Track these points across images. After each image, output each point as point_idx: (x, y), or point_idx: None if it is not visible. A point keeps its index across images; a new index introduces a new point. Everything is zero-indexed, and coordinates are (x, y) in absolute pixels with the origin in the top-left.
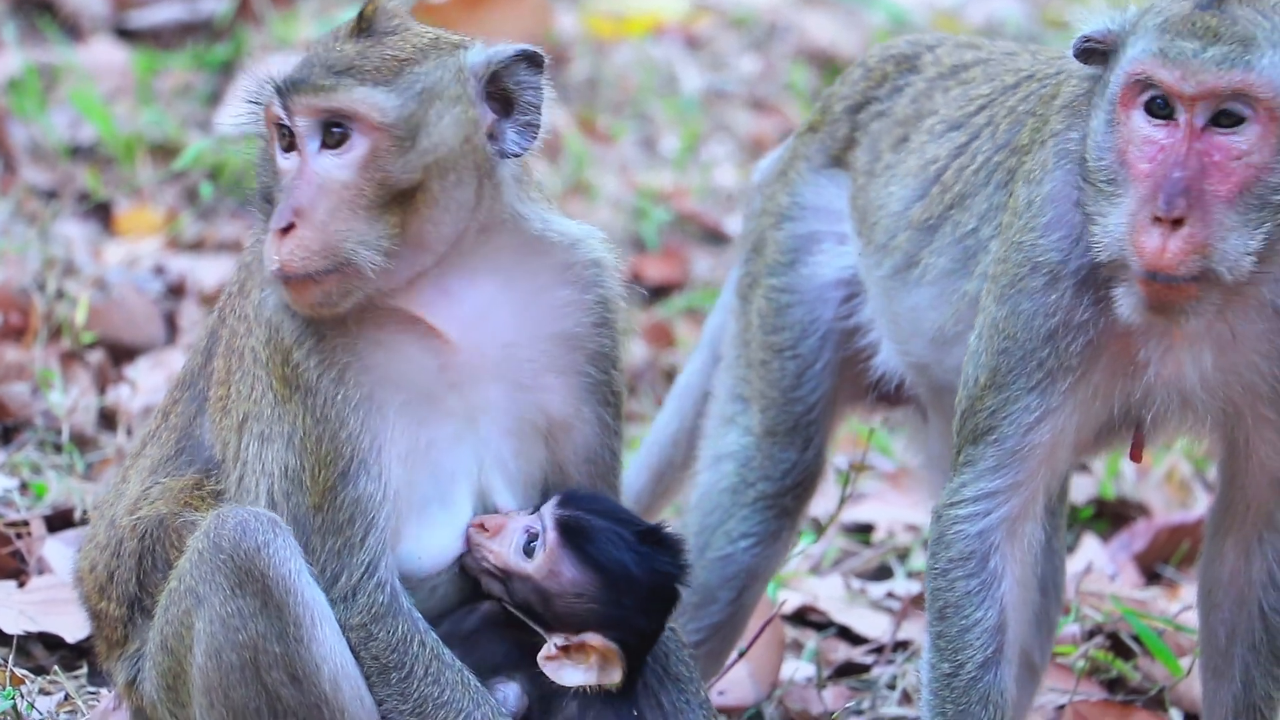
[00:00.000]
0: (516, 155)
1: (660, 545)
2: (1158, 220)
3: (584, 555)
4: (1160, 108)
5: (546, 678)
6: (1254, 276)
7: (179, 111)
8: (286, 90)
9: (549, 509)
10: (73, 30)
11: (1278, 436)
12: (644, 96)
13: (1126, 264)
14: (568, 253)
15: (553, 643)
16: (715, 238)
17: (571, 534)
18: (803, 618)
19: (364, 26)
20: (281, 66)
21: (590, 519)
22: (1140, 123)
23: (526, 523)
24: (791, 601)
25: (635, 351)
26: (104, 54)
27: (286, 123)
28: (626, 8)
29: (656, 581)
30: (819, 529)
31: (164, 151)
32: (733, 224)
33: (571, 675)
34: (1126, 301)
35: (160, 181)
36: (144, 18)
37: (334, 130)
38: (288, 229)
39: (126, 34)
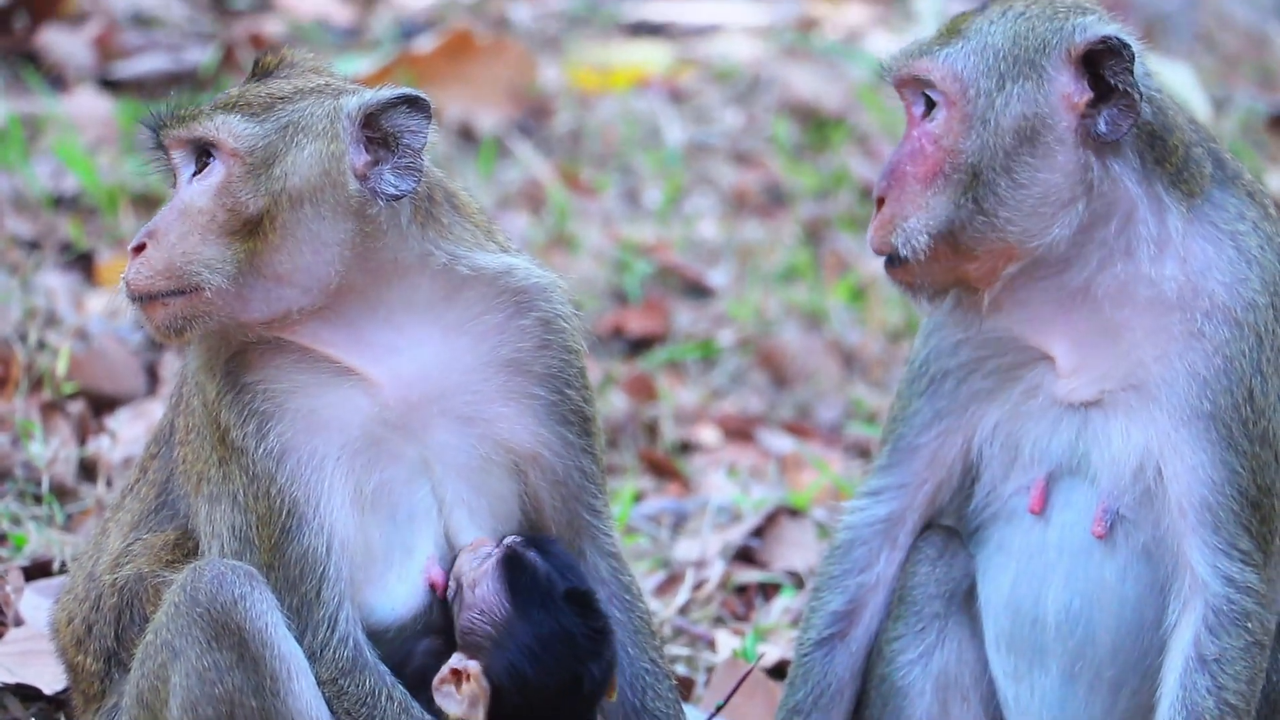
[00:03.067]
0: (396, 197)
1: (581, 607)
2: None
3: (505, 578)
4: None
5: None
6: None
7: None
8: (159, 123)
9: (512, 537)
10: (57, 80)
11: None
12: (627, 149)
13: None
14: (492, 283)
15: (449, 664)
16: (698, 291)
17: (509, 558)
18: (782, 672)
19: (257, 73)
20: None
21: (533, 554)
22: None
23: (493, 544)
24: (770, 656)
25: (616, 404)
26: (88, 104)
27: (169, 160)
28: (610, 60)
29: (555, 632)
30: (799, 583)
31: (147, 202)
32: (715, 277)
33: (449, 702)
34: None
35: None
36: (128, 68)
37: (203, 159)
38: (139, 249)
39: (110, 84)
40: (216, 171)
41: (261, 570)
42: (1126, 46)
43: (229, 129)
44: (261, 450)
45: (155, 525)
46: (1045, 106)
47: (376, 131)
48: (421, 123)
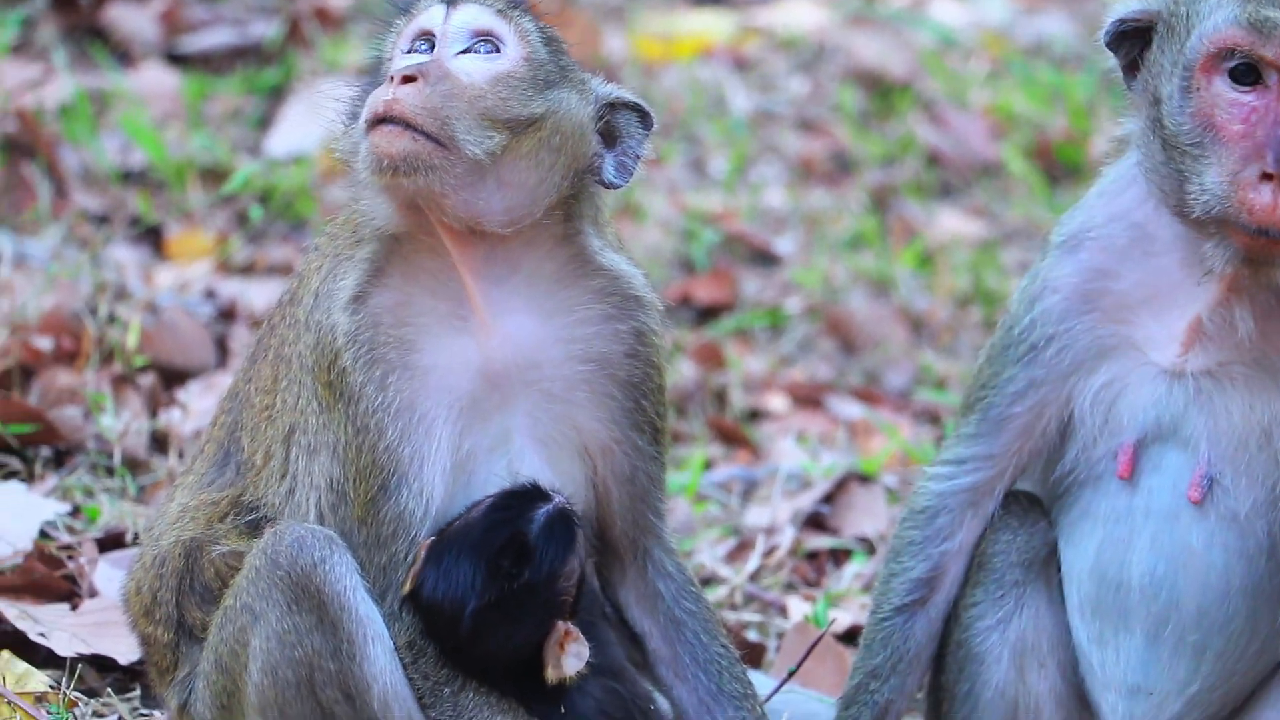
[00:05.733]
0: (608, 186)
1: (513, 555)
2: (1266, 177)
3: (509, 494)
4: (1244, 73)
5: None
6: None
7: (229, 135)
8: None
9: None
10: (123, 56)
11: None
12: (693, 118)
13: (1228, 219)
14: (612, 283)
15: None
16: (764, 259)
17: (526, 489)
18: (853, 638)
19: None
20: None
21: (547, 510)
22: (1223, 88)
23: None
24: (841, 621)
25: (684, 373)
26: (155, 79)
27: (433, 28)
28: (675, 30)
29: (475, 544)
30: (870, 549)
31: (214, 175)
32: (782, 244)
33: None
34: (1220, 254)
35: (210, 205)
36: (194, 42)
37: (481, 45)
38: (410, 79)
39: (177, 59)
40: (503, 61)
41: (352, 524)
42: None
43: (533, 37)
44: (380, 401)
45: (212, 482)
46: None
47: (605, 125)
48: (644, 134)
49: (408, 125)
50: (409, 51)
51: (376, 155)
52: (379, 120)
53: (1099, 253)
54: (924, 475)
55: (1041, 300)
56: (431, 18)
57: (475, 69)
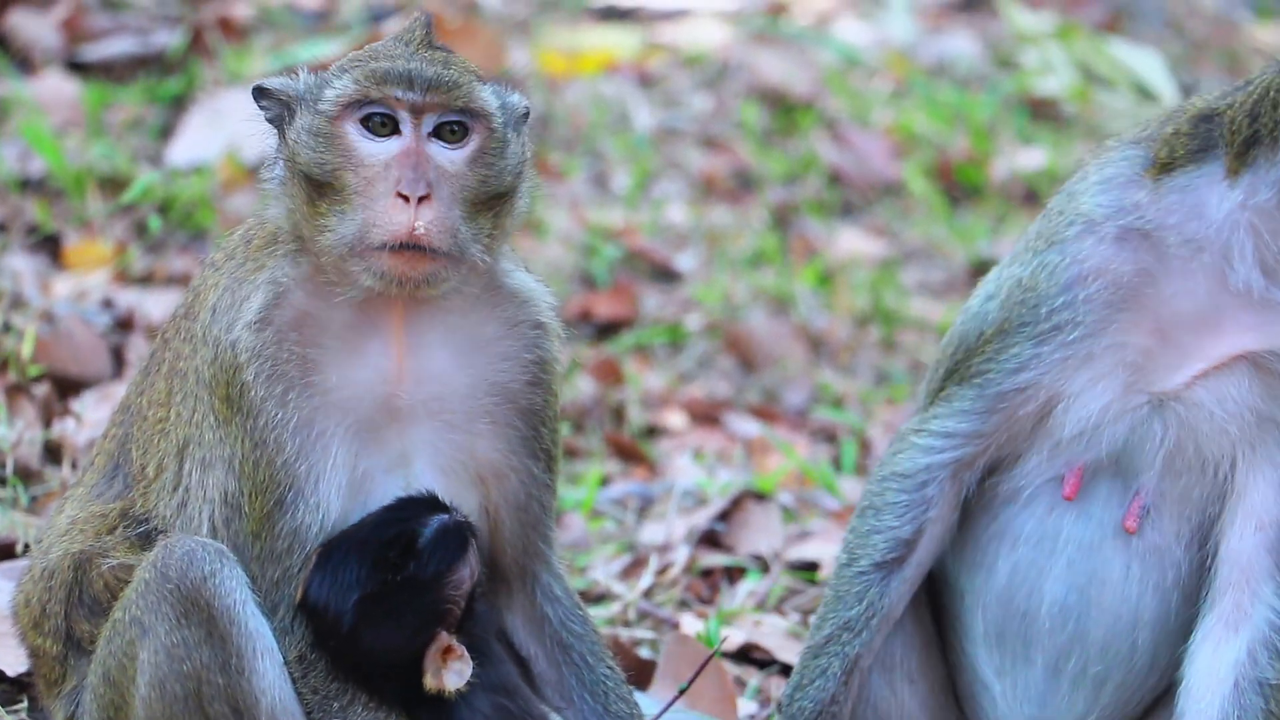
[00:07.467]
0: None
1: (400, 551)
2: None
3: (402, 502)
4: None
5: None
6: None
7: (129, 145)
8: (424, 84)
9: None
10: (24, 63)
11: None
12: (596, 133)
13: None
14: (519, 309)
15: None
16: (665, 275)
17: (420, 497)
18: (746, 656)
19: (432, 39)
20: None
21: (440, 521)
22: None
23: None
24: (734, 639)
25: (583, 389)
26: (55, 87)
27: (393, 112)
28: (579, 45)
29: (358, 541)
30: (764, 567)
31: (114, 185)
32: (683, 261)
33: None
34: None
35: (109, 215)
36: (96, 51)
37: (453, 127)
38: (424, 199)
39: (78, 67)
40: (473, 142)
41: (246, 539)
42: None
43: (492, 104)
44: (279, 417)
45: (103, 495)
46: None
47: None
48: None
49: (435, 252)
50: (364, 119)
51: (396, 275)
52: (406, 245)
53: (1151, 255)
54: (906, 439)
55: (1084, 286)
56: (406, 99)
57: (453, 159)
